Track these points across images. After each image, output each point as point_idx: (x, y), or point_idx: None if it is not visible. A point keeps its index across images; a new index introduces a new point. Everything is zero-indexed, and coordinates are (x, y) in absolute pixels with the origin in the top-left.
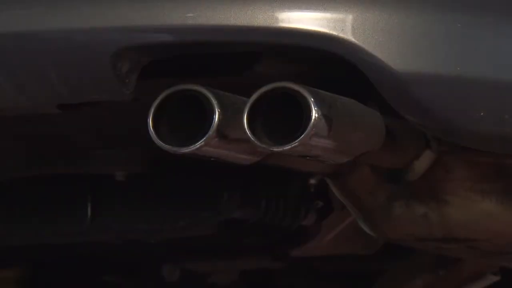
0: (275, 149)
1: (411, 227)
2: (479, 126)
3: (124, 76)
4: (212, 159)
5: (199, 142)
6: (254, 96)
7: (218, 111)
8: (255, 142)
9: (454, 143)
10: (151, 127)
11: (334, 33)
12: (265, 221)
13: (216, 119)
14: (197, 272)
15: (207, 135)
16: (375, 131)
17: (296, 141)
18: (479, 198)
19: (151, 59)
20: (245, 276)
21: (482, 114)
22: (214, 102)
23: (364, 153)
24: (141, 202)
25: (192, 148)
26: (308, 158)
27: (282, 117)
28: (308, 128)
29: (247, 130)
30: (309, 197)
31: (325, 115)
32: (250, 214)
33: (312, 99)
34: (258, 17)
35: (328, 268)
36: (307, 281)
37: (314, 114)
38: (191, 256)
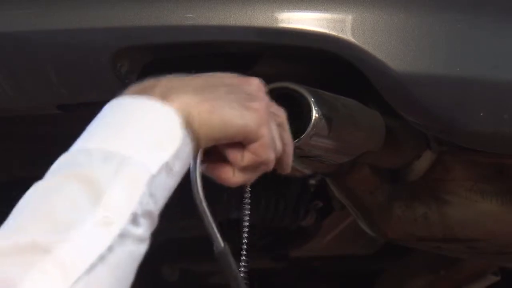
0: None
1: (411, 227)
2: (479, 126)
3: (124, 76)
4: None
5: None
6: None
7: None
8: None
9: (454, 143)
10: None
11: (334, 33)
12: (265, 221)
13: None
14: (197, 272)
15: None
16: (375, 131)
17: (296, 141)
18: (479, 198)
19: (151, 59)
20: (245, 276)
21: (482, 114)
22: None
23: (364, 153)
24: None
25: None
26: (308, 158)
27: None
28: (309, 128)
29: None
30: (309, 197)
31: (325, 115)
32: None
33: (312, 99)
34: (258, 17)
35: (328, 268)
36: (307, 281)
37: (314, 114)
38: (191, 256)
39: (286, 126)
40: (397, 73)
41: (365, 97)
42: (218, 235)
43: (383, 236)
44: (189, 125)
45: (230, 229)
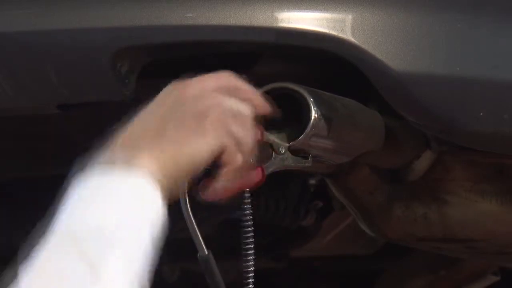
0: None
1: (411, 227)
2: (479, 126)
3: (124, 76)
4: None
5: None
6: None
7: None
8: None
9: (454, 143)
10: None
11: (334, 33)
12: (265, 221)
13: None
14: (197, 272)
15: None
16: (375, 131)
17: (296, 141)
18: (479, 198)
19: (151, 59)
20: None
21: (481, 114)
22: None
23: (364, 154)
24: None
25: None
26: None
27: (282, 117)
28: (308, 128)
29: None
30: (309, 197)
31: (324, 115)
32: None
33: (311, 99)
34: (258, 17)
35: (328, 268)
36: (307, 281)
37: (314, 114)
38: (191, 256)
39: (245, 116)
40: (397, 73)
41: (365, 97)
42: (202, 243)
43: (383, 236)
44: (162, 180)
45: (231, 229)
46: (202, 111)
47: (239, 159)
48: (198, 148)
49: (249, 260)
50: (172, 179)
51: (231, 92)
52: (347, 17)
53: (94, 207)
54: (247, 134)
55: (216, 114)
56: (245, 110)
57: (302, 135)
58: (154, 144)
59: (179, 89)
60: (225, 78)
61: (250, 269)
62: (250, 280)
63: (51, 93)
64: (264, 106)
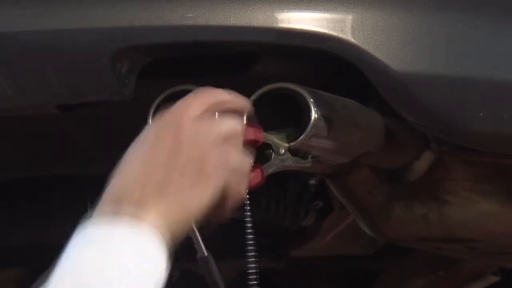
0: None
1: (410, 227)
2: (479, 126)
3: (124, 76)
4: None
5: None
6: (253, 97)
7: None
8: None
9: (454, 143)
10: None
11: (334, 33)
12: (265, 221)
13: None
14: (197, 272)
15: None
16: (375, 131)
17: (296, 141)
18: (479, 198)
19: (151, 59)
20: (245, 276)
21: (481, 114)
22: None
23: (364, 154)
24: None
25: None
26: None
27: (281, 117)
28: (308, 128)
29: None
30: (309, 197)
31: (324, 115)
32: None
33: (311, 100)
34: (257, 17)
35: (328, 268)
36: (307, 281)
37: (314, 115)
38: (191, 256)
39: (238, 137)
40: (397, 73)
41: (365, 97)
42: (202, 245)
43: (382, 236)
44: (169, 230)
45: (231, 229)
46: (202, 156)
47: (243, 189)
48: (205, 193)
49: (252, 261)
50: (180, 223)
51: (217, 108)
52: (347, 17)
53: (98, 259)
54: (244, 160)
55: (216, 156)
56: (235, 128)
57: (302, 136)
58: (160, 197)
59: (173, 130)
60: (208, 97)
61: (253, 269)
62: (255, 282)
63: (51, 93)
64: (249, 107)
